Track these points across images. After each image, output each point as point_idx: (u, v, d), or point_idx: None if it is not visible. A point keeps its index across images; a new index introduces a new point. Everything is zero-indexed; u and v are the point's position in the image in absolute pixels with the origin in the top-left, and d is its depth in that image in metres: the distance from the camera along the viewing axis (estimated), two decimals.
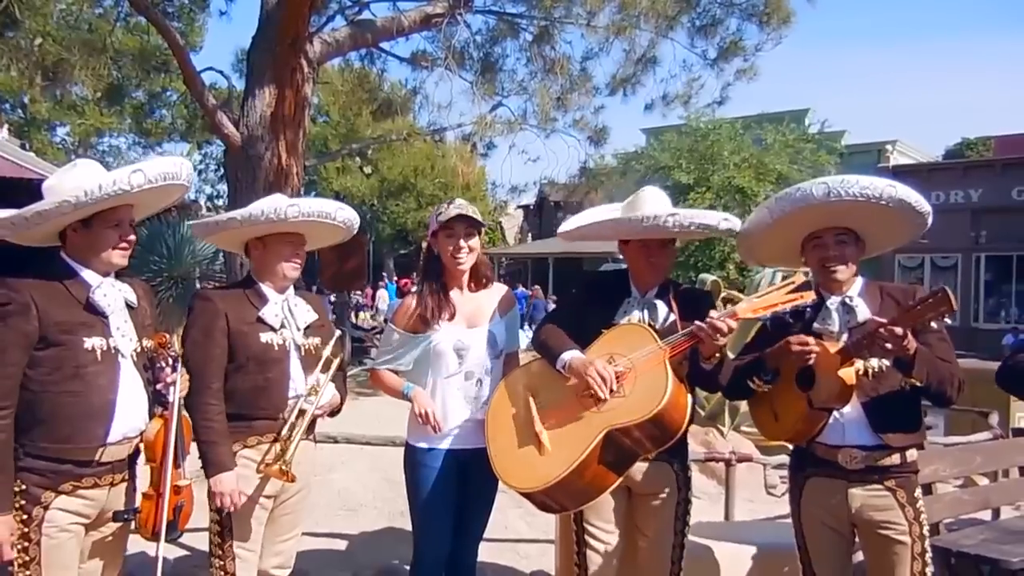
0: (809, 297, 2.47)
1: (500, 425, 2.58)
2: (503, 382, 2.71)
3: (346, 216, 2.80)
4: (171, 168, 2.29)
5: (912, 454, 2.51)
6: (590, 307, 2.74)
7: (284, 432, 2.61)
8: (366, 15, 10.52)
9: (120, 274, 2.38)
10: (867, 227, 2.55)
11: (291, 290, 2.77)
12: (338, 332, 2.82)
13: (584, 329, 2.63)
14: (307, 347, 2.72)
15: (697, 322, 2.45)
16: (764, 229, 2.63)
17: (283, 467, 2.51)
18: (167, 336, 2.34)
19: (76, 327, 2.18)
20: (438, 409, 2.74)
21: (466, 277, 2.86)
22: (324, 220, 2.73)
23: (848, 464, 2.47)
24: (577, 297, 2.84)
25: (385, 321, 11.87)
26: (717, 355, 2.52)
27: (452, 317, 2.78)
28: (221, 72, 10.79)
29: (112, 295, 2.27)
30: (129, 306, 2.33)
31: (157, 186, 2.23)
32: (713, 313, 2.45)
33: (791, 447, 5.18)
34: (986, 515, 4.46)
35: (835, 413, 2.44)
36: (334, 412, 2.84)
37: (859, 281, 2.59)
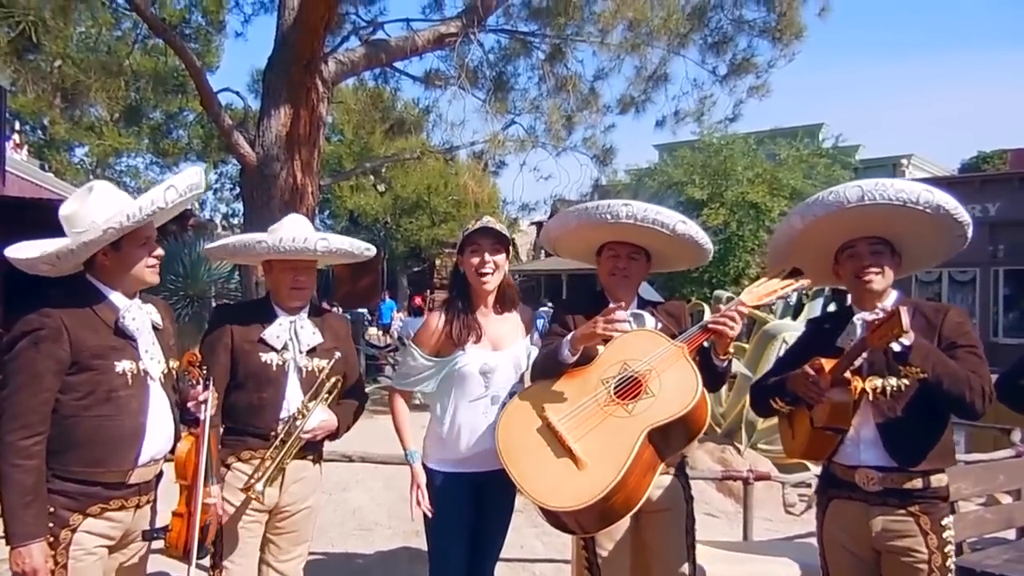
0: (805, 280, 2.59)
1: (519, 451, 2.47)
2: (505, 410, 2.61)
3: (363, 248, 2.85)
4: (195, 179, 2.34)
5: (939, 479, 2.36)
6: (576, 325, 2.66)
7: (268, 454, 2.60)
8: (380, 35, 10.62)
9: (142, 294, 2.39)
10: (903, 237, 2.44)
11: (305, 311, 2.78)
12: (337, 354, 2.77)
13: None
14: (310, 369, 2.71)
15: (711, 315, 2.56)
16: (796, 236, 2.51)
17: (252, 494, 2.52)
18: (196, 354, 2.36)
19: (107, 351, 2.19)
20: (462, 433, 2.70)
21: (492, 298, 2.81)
22: (343, 258, 2.83)
23: (866, 485, 2.37)
24: (561, 322, 2.74)
25: (400, 341, 11.88)
26: (730, 352, 2.58)
27: (479, 339, 2.75)
28: (237, 92, 10.91)
29: (140, 318, 2.28)
30: (155, 328, 2.34)
31: (185, 198, 2.30)
32: (720, 306, 2.52)
33: (810, 465, 5.12)
34: (1010, 534, 4.39)
35: (851, 432, 2.36)
36: (332, 436, 2.80)
37: (892, 296, 2.47)
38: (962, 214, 2.35)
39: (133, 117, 13.94)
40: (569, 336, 2.53)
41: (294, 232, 2.69)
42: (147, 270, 2.30)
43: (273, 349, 2.67)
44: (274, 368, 2.66)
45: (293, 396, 2.68)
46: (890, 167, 22.70)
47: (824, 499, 2.55)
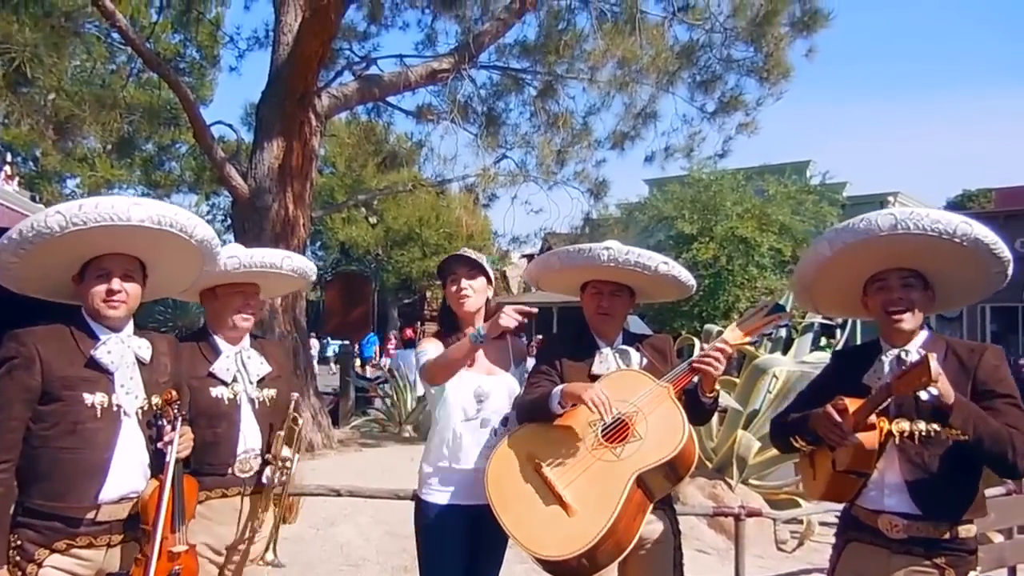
0: (785, 318, 2.61)
1: (509, 498, 2.46)
2: (494, 456, 2.58)
3: (294, 265, 2.82)
4: (105, 210, 2.09)
5: (968, 530, 2.21)
6: (564, 367, 2.68)
7: (272, 516, 2.66)
8: (373, 70, 10.75)
9: (139, 328, 2.36)
10: (938, 271, 2.30)
11: (246, 341, 2.77)
12: (295, 395, 2.77)
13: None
14: (261, 400, 2.71)
15: (697, 355, 2.55)
16: (823, 263, 2.37)
17: (268, 564, 2.58)
18: (173, 393, 2.30)
19: (78, 383, 2.16)
20: (457, 455, 2.69)
21: (478, 324, 2.80)
22: (268, 271, 2.74)
23: (889, 532, 2.23)
24: (548, 361, 2.72)
25: (391, 373, 11.80)
26: (716, 389, 2.59)
27: (472, 364, 2.75)
28: (230, 125, 11.03)
29: (118, 351, 2.24)
30: (140, 362, 2.30)
31: (89, 228, 2.08)
32: (705, 346, 2.53)
33: (802, 502, 5.06)
34: (1002, 573, 4.36)
35: (876, 475, 2.24)
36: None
37: (923, 335, 2.33)
38: (1002, 250, 2.21)
39: (125, 149, 13.96)
40: (559, 389, 2.51)
41: (229, 252, 2.68)
42: (101, 304, 2.23)
43: (223, 383, 2.65)
44: (226, 402, 2.64)
45: (248, 429, 2.66)
46: (877, 204, 22.94)
47: (841, 540, 2.43)
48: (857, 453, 2.18)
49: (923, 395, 2.11)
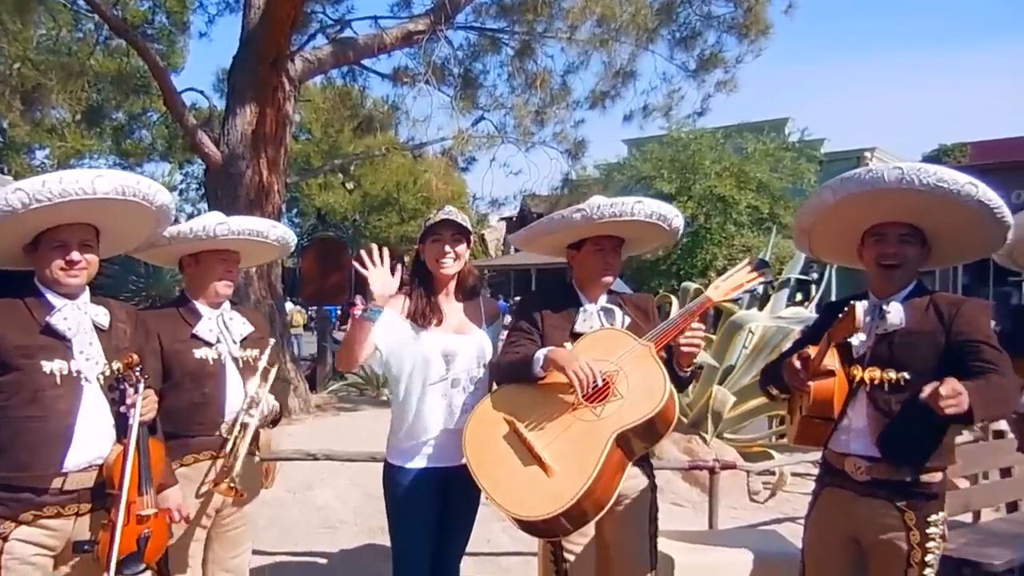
0: (769, 274, 2.68)
1: (488, 460, 2.42)
2: (472, 418, 2.54)
3: (279, 234, 2.85)
4: (70, 185, 2.06)
5: (931, 476, 2.27)
6: (545, 324, 2.66)
7: (228, 448, 2.60)
8: (348, 33, 10.56)
9: (95, 295, 2.34)
10: (937, 229, 2.33)
11: (227, 304, 2.80)
12: (272, 341, 2.83)
13: (548, 346, 2.55)
14: (244, 359, 2.74)
15: (678, 312, 2.56)
16: (825, 210, 2.41)
17: (231, 484, 2.50)
18: (134, 356, 2.26)
19: (35, 351, 2.13)
20: (424, 416, 2.67)
21: (452, 285, 2.80)
22: (254, 239, 2.76)
23: (854, 474, 2.31)
24: (528, 318, 2.69)
25: None
26: (693, 364, 2.59)
27: (440, 323, 2.73)
28: (202, 92, 10.84)
29: (75, 318, 2.21)
30: (99, 328, 2.28)
31: (54, 204, 2.05)
32: (683, 305, 2.54)
33: (774, 453, 5.15)
34: (967, 518, 4.49)
35: (845, 421, 2.32)
36: (274, 422, 2.83)
37: (908, 289, 2.38)
38: (1005, 214, 2.21)
39: (95, 118, 13.74)
40: (543, 354, 2.46)
41: (218, 219, 2.68)
42: (61, 273, 2.21)
43: (207, 344, 2.67)
44: (211, 363, 2.65)
45: (234, 388, 2.68)
46: (854, 160, 23.03)
47: (819, 486, 2.51)
48: (815, 398, 2.28)
49: (853, 340, 2.28)
